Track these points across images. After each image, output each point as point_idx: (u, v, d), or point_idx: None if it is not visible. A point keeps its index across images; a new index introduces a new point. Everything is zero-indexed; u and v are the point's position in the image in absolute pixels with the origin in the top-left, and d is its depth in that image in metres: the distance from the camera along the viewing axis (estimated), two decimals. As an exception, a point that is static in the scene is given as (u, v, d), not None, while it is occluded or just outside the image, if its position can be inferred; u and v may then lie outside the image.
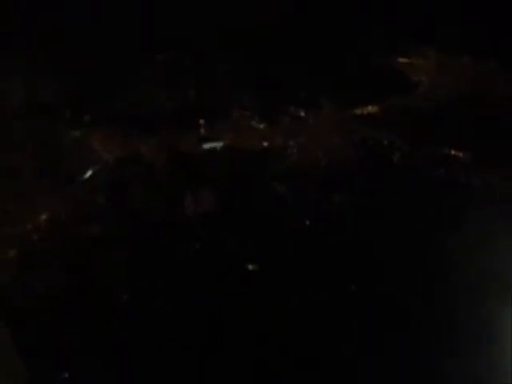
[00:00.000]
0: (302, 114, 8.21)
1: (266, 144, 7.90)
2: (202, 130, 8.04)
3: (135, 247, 6.87)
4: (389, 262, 6.67)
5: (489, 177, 7.36)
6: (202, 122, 8.09)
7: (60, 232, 6.98)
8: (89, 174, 7.52)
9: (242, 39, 8.75)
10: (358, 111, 8.25)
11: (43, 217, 7.09)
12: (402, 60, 8.81)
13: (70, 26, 8.72)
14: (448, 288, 6.41)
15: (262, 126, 8.12)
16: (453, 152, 7.70)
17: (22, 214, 7.08)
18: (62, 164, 7.64)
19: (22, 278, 6.52)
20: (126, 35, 8.73)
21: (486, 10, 8.75)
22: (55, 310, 6.31)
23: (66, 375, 5.76)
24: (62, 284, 6.47)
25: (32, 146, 7.75)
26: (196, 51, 8.73)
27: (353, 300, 6.43)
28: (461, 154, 7.65)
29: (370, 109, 8.25)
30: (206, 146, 7.88)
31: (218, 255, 6.79)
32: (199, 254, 6.80)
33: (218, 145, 7.88)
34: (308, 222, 7.06)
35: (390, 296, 6.37)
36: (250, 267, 6.68)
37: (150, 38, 8.80)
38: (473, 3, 8.78)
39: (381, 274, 6.59)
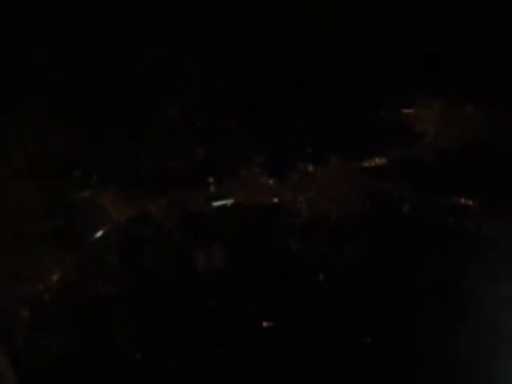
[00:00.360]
0: (311, 169, 8.29)
1: (275, 200, 7.97)
2: (212, 188, 8.10)
3: (146, 305, 6.98)
4: (401, 312, 6.78)
5: (498, 225, 7.47)
6: (211, 180, 8.18)
7: (71, 291, 7.08)
8: (100, 233, 7.61)
9: (250, 97, 8.87)
10: (365, 163, 8.29)
11: (54, 277, 7.18)
12: (406, 111, 8.90)
13: (79, 84, 8.80)
14: (459, 339, 6.52)
15: (271, 182, 8.20)
16: (462, 201, 7.78)
17: (32, 275, 7.15)
18: (72, 224, 7.71)
19: (34, 338, 6.64)
20: (134, 90, 8.83)
21: (488, 61, 8.87)
22: (67, 369, 6.44)
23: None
24: (73, 342, 6.59)
25: (41, 206, 7.79)
26: (205, 109, 8.85)
27: (369, 354, 6.60)
28: (470, 203, 7.73)
29: (377, 161, 8.30)
30: (216, 203, 7.97)
31: (231, 312, 6.88)
32: (212, 311, 6.91)
33: (227, 202, 7.97)
34: (321, 277, 7.18)
35: (404, 347, 6.52)
36: (264, 324, 6.80)
37: (160, 95, 8.89)
38: (474, 54, 8.89)
39: (394, 325, 6.69)
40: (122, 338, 6.73)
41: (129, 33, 8.86)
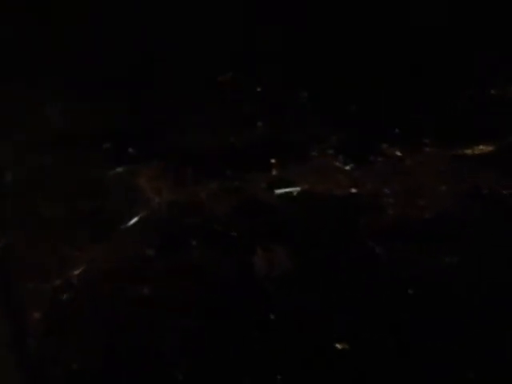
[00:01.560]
0: (398, 153, 7.19)
1: (354, 190, 6.82)
2: (274, 172, 7.01)
3: (192, 314, 5.72)
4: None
5: None
6: (273, 161, 7.08)
7: (95, 290, 5.87)
8: (134, 220, 6.46)
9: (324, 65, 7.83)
10: (468, 151, 7.21)
11: (76, 272, 6.05)
12: (512, 89, 7.85)
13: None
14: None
15: (348, 168, 7.07)
16: None
17: (51, 269, 6.01)
18: (101, 207, 6.63)
19: (47, 347, 5.49)
20: (181, 55, 7.84)
21: None
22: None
23: None
24: (95, 354, 5.41)
25: (68, 186, 6.80)
26: (264, 74, 7.82)
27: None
28: None
29: (483, 149, 7.22)
30: (279, 191, 6.84)
31: (298, 330, 5.71)
32: (274, 327, 5.71)
33: (293, 190, 6.83)
34: (411, 291, 6.00)
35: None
36: (339, 346, 5.60)
37: (211, 58, 7.88)
38: None
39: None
40: (158, 350, 5.49)
41: None
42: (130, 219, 6.46)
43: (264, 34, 8.09)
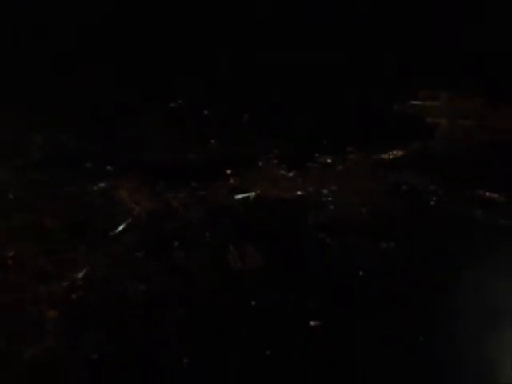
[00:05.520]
0: (329, 160, 6.88)
1: (299, 193, 6.49)
2: (231, 181, 6.60)
3: (184, 307, 5.25)
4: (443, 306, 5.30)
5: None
6: (229, 172, 6.67)
7: (99, 289, 5.37)
8: (121, 227, 5.95)
9: (262, 90, 7.46)
10: (384, 156, 6.96)
11: (80, 274, 5.49)
12: (414, 103, 7.63)
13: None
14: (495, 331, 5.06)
15: (291, 175, 6.72)
16: (487, 194, 6.50)
17: (57, 273, 5.46)
18: (91, 218, 6.10)
19: (68, 343, 4.94)
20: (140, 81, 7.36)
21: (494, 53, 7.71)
22: (98, 369, 4.75)
23: None
24: (105, 342, 4.90)
25: (57, 201, 6.25)
26: (210, 99, 7.41)
27: (423, 352, 5.07)
28: (495, 196, 6.47)
29: (396, 153, 6.98)
30: (238, 196, 6.42)
31: (277, 313, 5.32)
32: (254, 312, 5.34)
33: (250, 195, 6.45)
34: (362, 273, 5.68)
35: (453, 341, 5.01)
36: (312, 324, 5.24)
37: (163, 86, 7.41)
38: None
39: (443, 321, 5.19)
40: (156, 339, 5.01)
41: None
42: (117, 227, 5.95)
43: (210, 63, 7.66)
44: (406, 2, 8.01)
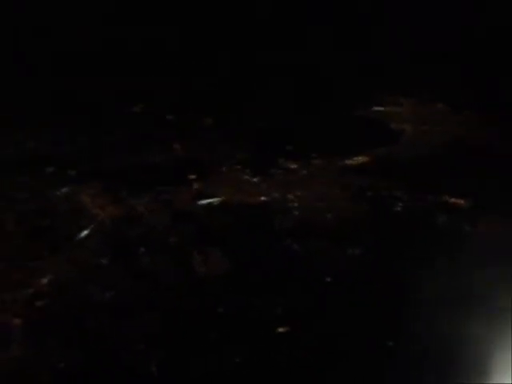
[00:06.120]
0: (293, 166, 6.86)
1: (263, 198, 6.45)
2: (195, 186, 6.53)
3: (151, 313, 5.14)
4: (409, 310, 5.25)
5: (490, 223, 6.26)
6: (193, 177, 6.61)
7: (65, 296, 5.26)
8: (85, 233, 5.84)
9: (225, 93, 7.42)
10: (348, 162, 6.95)
11: (44, 281, 5.36)
12: (377, 109, 7.67)
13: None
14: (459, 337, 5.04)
15: (255, 180, 6.68)
16: (452, 199, 6.54)
17: (20, 279, 5.31)
18: (54, 223, 5.97)
19: (33, 351, 4.79)
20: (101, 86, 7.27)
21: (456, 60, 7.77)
22: (67, 378, 4.60)
23: None
24: (72, 350, 4.74)
25: (19, 205, 6.12)
26: (173, 103, 7.35)
27: (390, 354, 5.09)
28: (461, 201, 6.50)
29: (361, 159, 6.98)
30: (203, 202, 6.37)
31: (244, 319, 5.27)
32: (223, 318, 5.27)
33: (214, 201, 6.40)
34: (328, 279, 5.67)
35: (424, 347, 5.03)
36: (280, 330, 5.21)
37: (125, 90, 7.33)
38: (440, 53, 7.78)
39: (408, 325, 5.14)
40: (123, 346, 4.91)
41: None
42: (81, 233, 5.85)
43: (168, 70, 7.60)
44: (369, 6, 8.01)
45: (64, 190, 6.27)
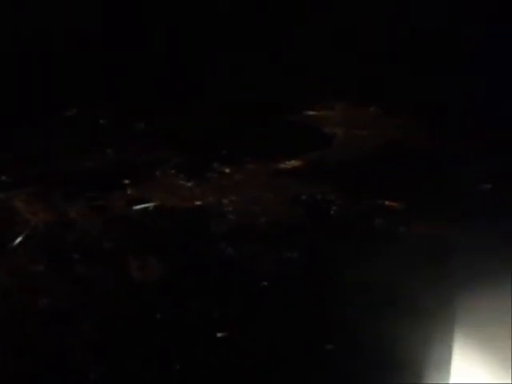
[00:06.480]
0: (227, 170, 6.88)
1: (198, 203, 6.46)
2: (129, 191, 6.49)
3: (88, 320, 5.12)
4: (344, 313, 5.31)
5: (424, 226, 6.37)
6: (126, 182, 6.57)
7: (1, 305, 5.20)
8: (19, 240, 5.75)
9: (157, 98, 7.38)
10: (282, 166, 7.01)
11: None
12: (309, 113, 7.73)
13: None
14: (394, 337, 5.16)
15: (189, 185, 6.67)
16: (386, 202, 6.63)
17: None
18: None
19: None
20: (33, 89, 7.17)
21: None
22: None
23: None
24: (16, 364, 4.63)
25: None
26: (105, 107, 7.30)
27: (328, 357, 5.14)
28: (395, 204, 6.60)
29: (294, 163, 7.04)
30: (137, 207, 6.32)
31: (183, 325, 5.27)
32: (161, 324, 5.26)
33: (149, 206, 6.36)
34: (266, 283, 5.70)
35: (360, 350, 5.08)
36: (219, 335, 5.21)
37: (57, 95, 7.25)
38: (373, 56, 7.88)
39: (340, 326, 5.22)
40: (62, 353, 4.85)
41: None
42: (15, 239, 5.76)
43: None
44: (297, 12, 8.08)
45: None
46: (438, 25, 8.50)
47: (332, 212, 6.48)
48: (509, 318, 5.08)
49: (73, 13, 7.85)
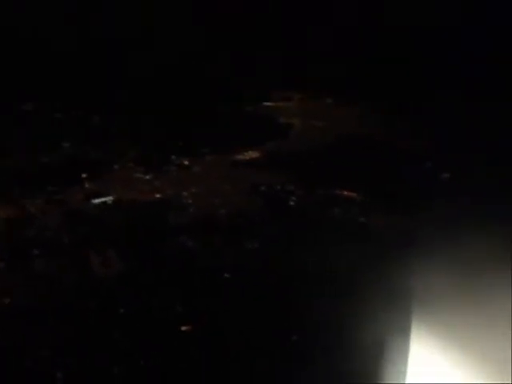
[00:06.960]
0: (186, 162, 6.87)
1: (157, 196, 6.45)
2: (87, 185, 6.46)
3: (52, 316, 5.09)
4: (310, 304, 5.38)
5: (382, 215, 6.41)
6: (84, 176, 6.53)
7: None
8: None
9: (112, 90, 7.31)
10: (240, 157, 7.02)
11: None
12: (267, 104, 7.73)
13: None
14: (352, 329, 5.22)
15: (148, 178, 6.65)
16: (345, 193, 6.66)
17: None
18: None
19: None
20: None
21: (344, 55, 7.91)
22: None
23: None
24: None
25: None
26: (61, 101, 7.20)
27: (295, 348, 5.15)
28: (353, 194, 6.64)
29: (251, 154, 7.05)
30: (96, 201, 6.29)
31: (147, 318, 5.24)
32: (125, 319, 5.22)
33: (107, 199, 6.33)
34: (227, 274, 5.69)
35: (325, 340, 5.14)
36: (183, 328, 5.20)
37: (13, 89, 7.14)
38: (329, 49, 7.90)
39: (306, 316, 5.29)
40: (27, 352, 4.80)
41: None
42: (-28, 237, 5.69)
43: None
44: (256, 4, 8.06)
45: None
46: (392, 16, 8.54)
47: (291, 202, 6.49)
48: (467, 307, 5.13)
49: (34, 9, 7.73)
